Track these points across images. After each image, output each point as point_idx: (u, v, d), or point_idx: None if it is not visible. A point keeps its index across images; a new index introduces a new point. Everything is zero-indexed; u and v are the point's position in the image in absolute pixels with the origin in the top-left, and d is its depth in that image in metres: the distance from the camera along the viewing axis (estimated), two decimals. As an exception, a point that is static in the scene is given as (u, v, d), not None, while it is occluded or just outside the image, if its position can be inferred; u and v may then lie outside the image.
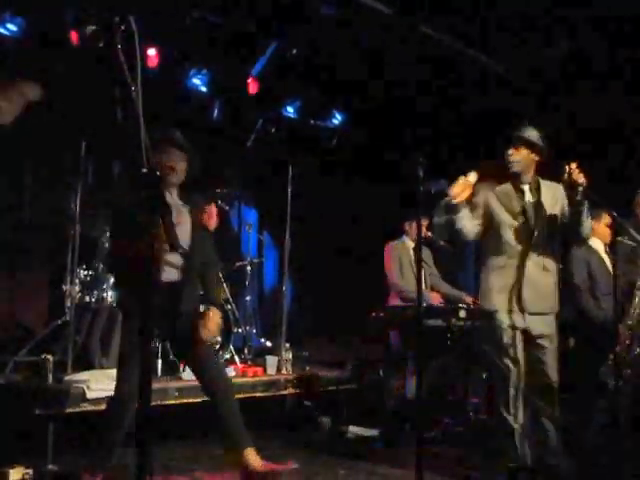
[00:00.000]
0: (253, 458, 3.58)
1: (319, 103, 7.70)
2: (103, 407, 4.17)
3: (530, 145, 3.90)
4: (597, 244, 5.14)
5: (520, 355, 3.75)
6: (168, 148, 3.62)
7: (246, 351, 5.89)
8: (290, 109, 7.58)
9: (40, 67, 5.31)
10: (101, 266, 5.24)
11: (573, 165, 3.65)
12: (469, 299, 5.88)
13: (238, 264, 6.49)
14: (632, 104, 6.48)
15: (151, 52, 6.39)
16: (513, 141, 3.92)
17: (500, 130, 4.09)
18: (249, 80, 7.05)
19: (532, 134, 3.94)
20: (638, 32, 5.96)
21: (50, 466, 3.97)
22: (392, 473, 4.09)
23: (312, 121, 7.71)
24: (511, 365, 3.74)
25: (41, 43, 5.61)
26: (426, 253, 6.04)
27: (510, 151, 3.92)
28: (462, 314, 5.37)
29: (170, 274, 3.57)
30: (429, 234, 5.76)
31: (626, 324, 4.62)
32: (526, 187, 3.95)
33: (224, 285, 6.16)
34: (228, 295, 6.11)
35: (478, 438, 4.97)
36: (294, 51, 6.87)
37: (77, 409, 4.12)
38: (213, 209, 3.77)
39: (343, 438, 5.19)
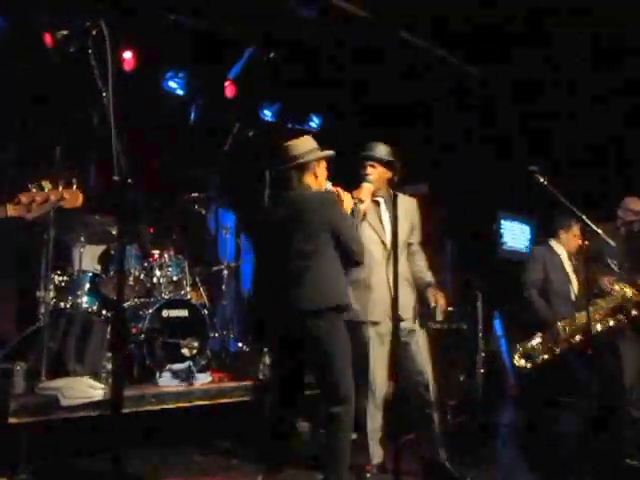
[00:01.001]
0: None
1: (297, 107, 7.67)
2: (77, 414, 4.13)
3: (383, 162, 4.11)
4: (561, 250, 5.25)
5: (385, 361, 4.00)
6: None
7: (223, 356, 5.85)
8: (267, 112, 7.55)
9: (16, 69, 5.26)
10: (75, 271, 5.18)
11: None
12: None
13: (215, 268, 6.45)
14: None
15: (127, 55, 6.34)
16: (367, 160, 4.13)
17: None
18: (226, 83, 7.01)
19: (383, 152, 4.14)
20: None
21: (23, 475, 3.92)
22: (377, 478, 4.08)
23: (290, 124, 7.69)
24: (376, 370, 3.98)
25: (16, 45, 5.53)
26: None
27: (368, 170, 4.10)
28: (438, 317, 5.37)
29: None
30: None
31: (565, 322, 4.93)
32: (382, 201, 4.16)
33: (201, 289, 6.13)
34: (205, 299, 6.07)
35: (455, 440, 4.98)
36: (272, 54, 6.85)
37: (51, 417, 4.06)
38: None
39: (322, 443, 5.15)
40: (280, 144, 3.72)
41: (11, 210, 2.49)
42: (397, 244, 3.42)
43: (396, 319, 3.31)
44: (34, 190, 2.54)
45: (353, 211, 3.87)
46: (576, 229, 5.13)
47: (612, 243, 4.45)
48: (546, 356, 5.02)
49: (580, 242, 4.99)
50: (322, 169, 3.70)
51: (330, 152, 3.74)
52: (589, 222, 4.27)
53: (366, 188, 4.03)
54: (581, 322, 4.91)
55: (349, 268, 3.71)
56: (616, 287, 5.00)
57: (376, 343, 4.00)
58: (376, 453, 4.08)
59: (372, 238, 4.07)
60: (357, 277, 4.00)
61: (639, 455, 4.44)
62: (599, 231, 4.46)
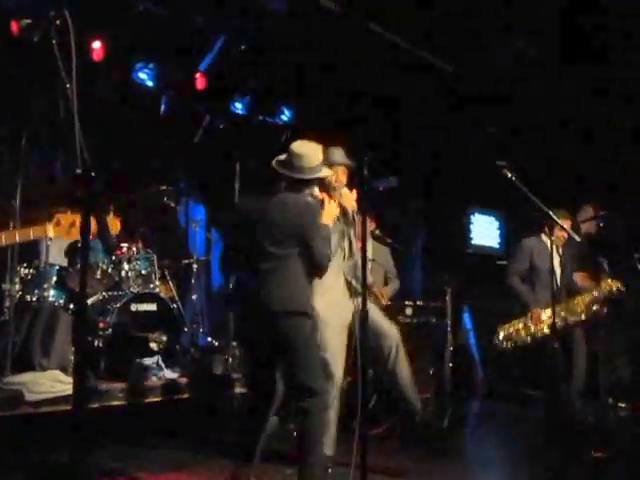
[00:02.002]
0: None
1: (267, 99, 7.64)
2: (43, 410, 4.09)
3: (344, 165, 4.14)
4: (549, 242, 5.30)
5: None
6: None
7: (192, 350, 5.82)
8: (238, 105, 7.50)
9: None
10: (42, 264, 5.11)
11: None
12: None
13: (185, 262, 6.41)
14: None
15: (96, 45, 6.24)
16: (329, 164, 4.01)
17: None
18: (197, 75, 6.95)
19: (341, 154, 4.18)
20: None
21: (-12, 470, 3.87)
22: (337, 471, 4.10)
23: (260, 117, 7.65)
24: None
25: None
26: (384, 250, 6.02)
27: (343, 178, 4.11)
28: (408, 311, 5.42)
29: None
30: (378, 232, 5.81)
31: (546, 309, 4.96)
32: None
33: (170, 283, 6.09)
34: (174, 293, 6.04)
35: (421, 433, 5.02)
36: (242, 47, 6.81)
37: (16, 412, 4.01)
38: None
39: (290, 437, 5.16)
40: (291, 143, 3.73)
41: (51, 231, 2.47)
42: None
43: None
44: (69, 212, 2.50)
45: (340, 218, 3.97)
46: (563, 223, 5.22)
47: (577, 238, 4.51)
48: (528, 339, 5.11)
49: (565, 235, 5.09)
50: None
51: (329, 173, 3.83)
52: (555, 217, 4.35)
53: (352, 195, 4.05)
54: (563, 310, 5.06)
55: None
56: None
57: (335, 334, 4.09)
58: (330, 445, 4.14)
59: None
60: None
61: (605, 447, 4.52)
62: (565, 226, 4.55)
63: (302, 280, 3.54)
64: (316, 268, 3.56)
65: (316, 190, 3.81)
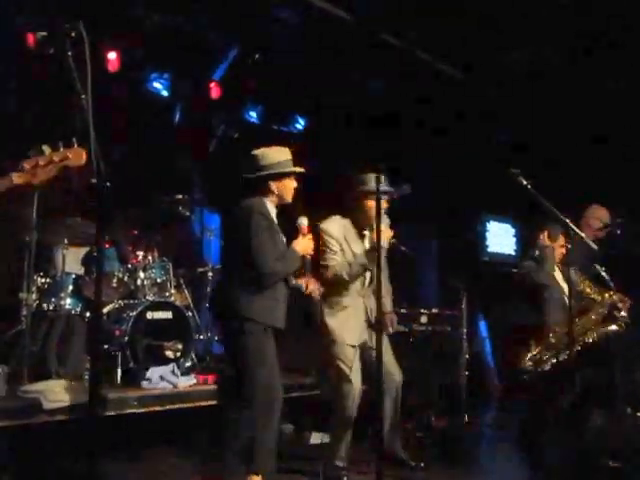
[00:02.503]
0: None
1: (281, 108, 7.68)
2: (60, 417, 4.11)
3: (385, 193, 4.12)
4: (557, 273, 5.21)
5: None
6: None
7: (207, 358, 5.84)
8: (252, 114, 7.55)
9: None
10: (58, 273, 5.15)
11: None
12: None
13: (200, 270, 6.43)
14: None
15: (112, 56, 6.31)
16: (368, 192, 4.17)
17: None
18: (211, 84, 7.00)
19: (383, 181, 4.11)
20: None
21: (5, 478, 3.89)
22: (353, 479, 4.09)
23: (274, 126, 7.69)
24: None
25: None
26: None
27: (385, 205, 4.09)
28: (423, 319, 5.40)
29: None
30: (393, 241, 5.79)
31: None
32: (367, 233, 4.35)
33: (185, 292, 6.11)
34: (190, 301, 6.06)
35: (438, 441, 5.01)
36: (257, 56, 6.85)
37: (33, 420, 4.04)
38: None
39: (305, 445, 5.17)
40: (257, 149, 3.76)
41: (16, 179, 2.45)
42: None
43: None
44: (34, 155, 2.50)
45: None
46: (561, 239, 5.11)
47: (594, 246, 4.47)
48: (554, 360, 4.99)
49: (564, 251, 4.99)
50: (284, 185, 3.73)
51: (297, 169, 3.79)
52: (572, 225, 4.28)
53: (388, 233, 4.17)
54: (580, 328, 4.93)
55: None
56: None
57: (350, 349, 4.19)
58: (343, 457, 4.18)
59: None
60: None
61: (621, 457, 4.47)
62: (582, 234, 4.48)
63: (257, 290, 3.57)
64: (257, 275, 3.55)
65: (303, 220, 3.78)
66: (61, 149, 2.39)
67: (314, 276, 3.96)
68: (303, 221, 3.76)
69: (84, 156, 2.25)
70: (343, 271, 4.14)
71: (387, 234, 4.14)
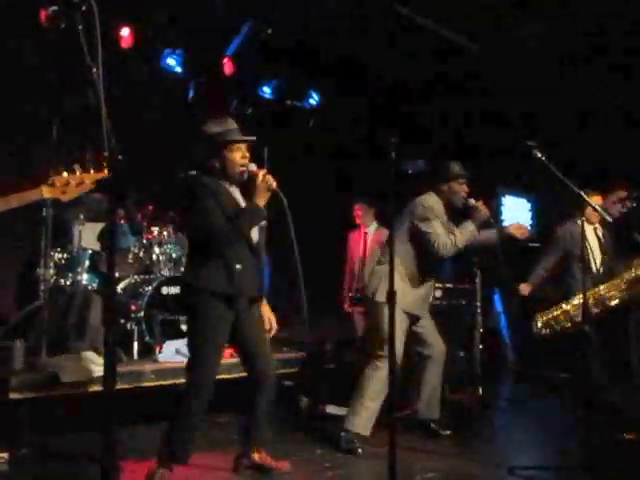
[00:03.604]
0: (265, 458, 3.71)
1: (295, 83, 7.64)
2: (78, 390, 4.18)
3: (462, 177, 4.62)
4: (585, 224, 5.22)
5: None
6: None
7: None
8: (266, 89, 7.52)
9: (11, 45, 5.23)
10: (75, 249, 5.20)
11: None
12: None
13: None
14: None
15: (125, 32, 6.31)
16: (463, 180, 4.58)
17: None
18: (224, 60, 6.98)
19: (459, 167, 4.61)
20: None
21: (24, 450, 3.97)
22: (368, 452, 4.13)
23: (288, 101, 7.66)
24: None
25: (11, 21, 5.50)
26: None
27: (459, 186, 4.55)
28: (438, 294, 5.41)
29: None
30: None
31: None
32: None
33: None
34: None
35: (453, 415, 5.04)
36: (269, 30, 6.81)
37: (52, 392, 4.11)
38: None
39: (321, 417, 5.22)
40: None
41: (46, 193, 2.52)
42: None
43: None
44: (65, 174, 2.56)
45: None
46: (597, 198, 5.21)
47: (609, 219, 4.44)
48: (568, 324, 5.05)
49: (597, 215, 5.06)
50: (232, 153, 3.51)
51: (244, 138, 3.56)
52: (587, 198, 4.26)
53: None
54: (603, 293, 5.00)
55: None
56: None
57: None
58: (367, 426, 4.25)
59: None
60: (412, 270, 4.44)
61: (636, 429, 4.48)
62: (597, 207, 4.47)
63: (210, 258, 3.40)
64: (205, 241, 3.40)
65: (251, 166, 3.52)
66: (92, 172, 2.45)
67: None
68: (252, 167, 3.50)
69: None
70: (457, 239, 4.32)
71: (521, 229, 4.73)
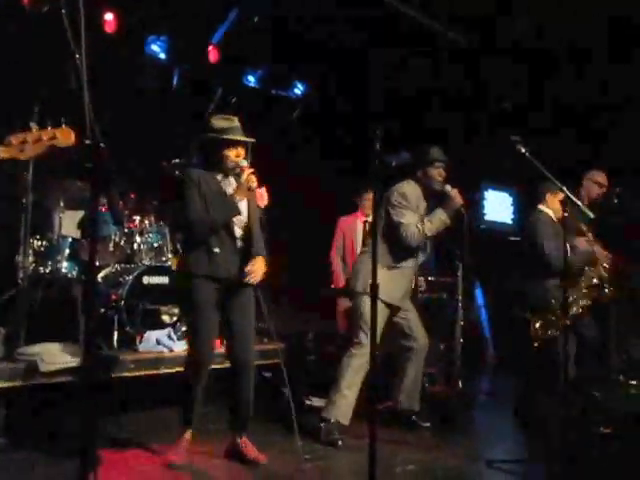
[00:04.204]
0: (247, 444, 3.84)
1: (281, 72, 7.59)
2: (57, 380, 4.14)
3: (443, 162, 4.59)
4: (551, 214, 5.18)
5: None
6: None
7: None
8: (251, 78, 7.46)
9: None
10: (55, 237, 5.14)
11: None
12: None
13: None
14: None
15: (109, 17, 6.22)
16: (440, 164, 4.53)
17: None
18: (209, 48, 6.91)
19: (440, 152, 4.58)
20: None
21: (2, 440, 3.93)
22: (348, 443, 4.14)
23: (273, 91, 7.61)
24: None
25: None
26: None
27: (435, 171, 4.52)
28: (420, 287, 5.41)
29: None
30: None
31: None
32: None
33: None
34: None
35: (433, 408, 5.05)
36: (255, 19, 6.75)
37: (29, 382, 4.06)
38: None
39: (302, 409, 5.21)
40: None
41: (2, 152, 2.44)
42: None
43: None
44: (18, 134, 2.49)
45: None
46: (561, 195, 5.07)
47: (591, 215, 4.46)
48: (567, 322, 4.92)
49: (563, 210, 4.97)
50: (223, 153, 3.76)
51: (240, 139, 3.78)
52: (569, 193, 4.27)
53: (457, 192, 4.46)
54: (583, 288, 4.94)
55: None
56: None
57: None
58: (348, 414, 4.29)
59: None
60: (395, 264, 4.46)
61: (613, 424, 4.52)
62: (579, 202, 4.47)
63: (191, 243, 3.73)
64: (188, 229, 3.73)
65: (242, 162, 3.77)
66: (49, 128, 2.38)
67: None
68: (242, 163, 3.74)
69: (73, 136, 2.24)
70: (425, 227, 4.34)
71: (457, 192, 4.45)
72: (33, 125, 2.43)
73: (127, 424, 4.46)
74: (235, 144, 3.73)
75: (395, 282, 4.42)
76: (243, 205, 3.78)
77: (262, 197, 3.89)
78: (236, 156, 3.74)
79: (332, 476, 3.83)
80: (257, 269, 3.76)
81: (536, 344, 4.92)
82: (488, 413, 5.56)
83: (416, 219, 4.37)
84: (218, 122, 3.76)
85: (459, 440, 4.51)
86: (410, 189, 4.48)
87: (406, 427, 4.59)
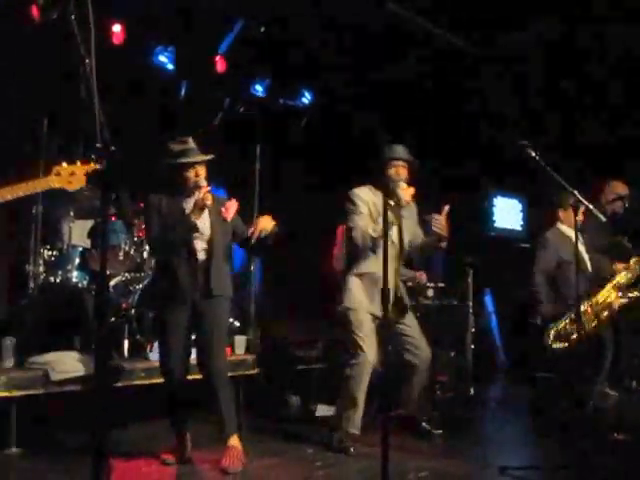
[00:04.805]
0: (230, 448, 3.78)
1: (288, 82, 7.61)
2: (68, 389, 4.14)
3: (410, 163, 4.42)
4: (568, 229, 5.15)
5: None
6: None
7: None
8: (258, 88, 7.48)
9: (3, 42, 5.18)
10: (65, 246, 5.16)
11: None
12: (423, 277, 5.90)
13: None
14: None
15: (116, 28, 6.25)
16: (398, 163, 4.35)
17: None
18: (217, 58, 6.94)
19: (402, 150, 4.39)
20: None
21: (14, 449, 3.93)
22: (360, 451, 4.11)
23: (281, 100, 7.63)
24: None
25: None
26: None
27: (401, 171, 4.35)
28: (430, 293, 5.40)
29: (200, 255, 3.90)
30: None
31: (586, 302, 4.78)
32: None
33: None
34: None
35: (445, 415, 5.03)
36: (262, 29, 6.77)
37: (41, 391, 4.07)
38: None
39: (312, 417, 5.21)
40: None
41: (54, 183, 2.51)
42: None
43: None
44: (65, 164, 2.57)
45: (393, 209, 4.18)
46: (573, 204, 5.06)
47: (603, 218, 4.45)
48: (575, 336, 4.79)
49: (580, 218, 4.95)
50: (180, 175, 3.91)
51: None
52: (581, 197, 4.24)
53: (410, 191, 4.25)
54: (602, 299, 4.91)
55: None
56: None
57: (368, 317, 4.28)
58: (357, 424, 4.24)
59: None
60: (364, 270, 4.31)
61: (626, 430, 4.49)
62: (590, 206, 4.44)
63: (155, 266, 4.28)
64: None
65: (201, 182, 3.88)
66: (91, 163, 2.45)
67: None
68: (200, 183, 3.87)
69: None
70: (369, 229, 4.19)
71: (409, 191, 4.25)
72: (78, 159, 2.53)
73: (138, 432, 4.46)
74: (192, 165, 3.87)
75: (376, 292, 4.20)
76: (205, 220, 3.87)
77: (228, 210, 3.94)
78: (195, 176, 3.87)
79: (344, 483, 3.81)
80: (264, 223, 3.91)
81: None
82: (499, 420, 5.52)
83: (364, 222, 4.24)
84: (174, 146, 3.93)
85: (471, 447, 4.48)
86: (363, 193, 4.38)
87: (418, 435, 4.56)
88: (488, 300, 8.32)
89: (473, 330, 6.01)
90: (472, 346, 5.97)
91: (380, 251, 4.08)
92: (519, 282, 6.18)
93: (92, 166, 2.46)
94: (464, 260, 6.30)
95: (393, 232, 4.29)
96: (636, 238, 5.29)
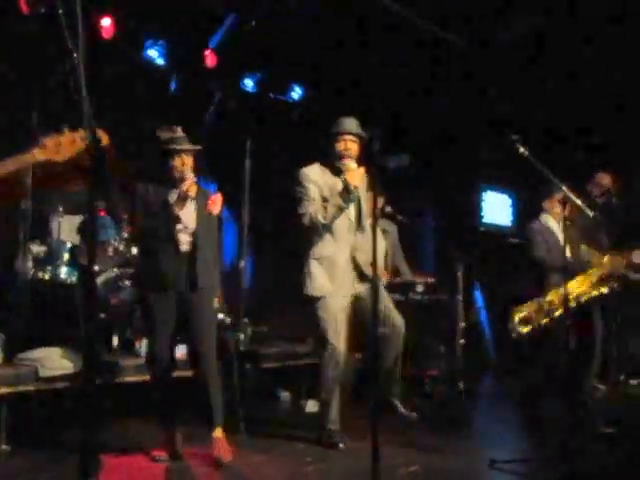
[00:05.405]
0: (217, 440, 3.81)
1: (278, 76, 7.59)
2: (56, 385, 4.12)
3: (360, 137, 4.23)
4: (551, 221, 5.23)
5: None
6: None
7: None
8: (249, 82, 7.46)
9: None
10: (54, 241, 5.13)
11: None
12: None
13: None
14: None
15: (106, 22, 6.21)
16: (346, 134, 4.19)
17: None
18: (207, 52, 6.91)
19: (357, 125, 4.22)
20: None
21: (4, 446, 3.91)
22: (350, 446, 4.12)
23: (271, 95, 7.61)
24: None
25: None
26: (392, 228, 6.08)
27: (349, 145, 4.19)
28: (419, 288, 5.41)
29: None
30: (389, 209, 5.81)
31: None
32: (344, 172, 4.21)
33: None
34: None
35: (435, 409, 5.05)
36: (253, 23, 6.75)
37: (30, 387, 4.05)
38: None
39: (302, 412, 5.21)
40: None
41: (39, 154, 2.43)
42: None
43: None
44: (55, 134, 2.48)
45: (347, 193, 4.06)
46: (558, 196, 5.10)
47: (591, 213, 4.46)
48: (544, 320, 4.94)
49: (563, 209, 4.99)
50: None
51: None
52: (569, 192, 4.27)
53: (359, 172, 4.10)
54: (571, 289, 4.92)
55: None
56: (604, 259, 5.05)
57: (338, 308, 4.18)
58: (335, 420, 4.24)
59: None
60: (323, 254, 4.20)
61: (615, 423, 4.52)
62: (578, 202, 4.46)
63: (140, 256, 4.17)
64: None
65: (187, 173, 3.83)
66: (80, 130, 2.38)
67: None
68: (187, 172, 3.83)
69: (107, 137, 2.24)
70: (319, 215, 4.11)
71: (358, 174, 4.12)
72: (65, 127, 2.44)
73: (128, 429, 4.45)
74: (179, 153, 3.83)
75: (338, 270, 4.19)
76: (190, 212, 3.84)
77: (214, 203, 3.88)
78: (182, 165, 3.84)
79: (334, 478, 3.81)
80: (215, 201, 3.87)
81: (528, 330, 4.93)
82: (490, 414, 5.55)
83: (314, 208, 4.14)
84: (162, 134, 3.91)
85: (461, 441, 4.50)
86: (312, 172, 4.24)
87: (388, 411, 4.59)
88: (478, 295, 8.35)
89: (463, 325, 6.02)
90: (462, 341, 5.98)
91: (337, 233, 4.17)
92: (509, 277, 6.22)
93: (80, 134, 2.37)
94: (454, 255, 6.31)
95: (350, 209, 4.20)
96: (631, 233, 5.33)
